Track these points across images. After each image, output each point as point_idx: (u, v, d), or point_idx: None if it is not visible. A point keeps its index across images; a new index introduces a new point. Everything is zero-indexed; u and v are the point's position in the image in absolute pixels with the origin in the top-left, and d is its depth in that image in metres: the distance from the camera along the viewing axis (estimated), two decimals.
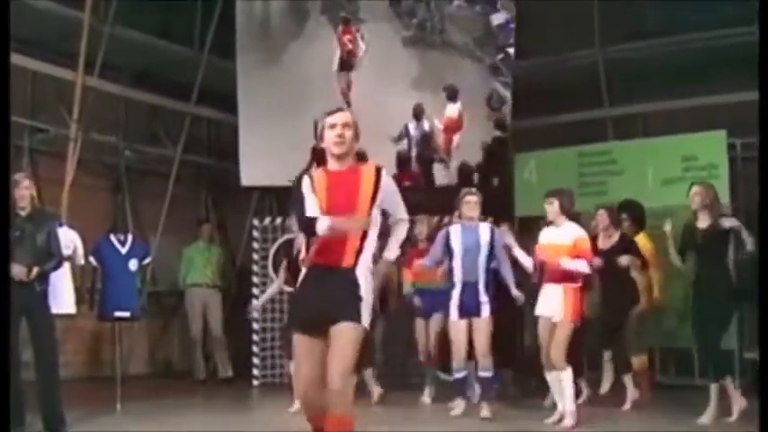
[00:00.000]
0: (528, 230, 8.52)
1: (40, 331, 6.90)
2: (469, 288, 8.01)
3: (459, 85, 11.84)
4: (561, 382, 7.54)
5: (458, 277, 8.07)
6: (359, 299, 4.49)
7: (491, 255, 8.08)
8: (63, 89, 10.88)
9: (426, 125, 11.80)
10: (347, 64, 11.89)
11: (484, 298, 8.00)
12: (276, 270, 9.97)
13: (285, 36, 12.23)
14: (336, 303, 4.46)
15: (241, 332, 11.50)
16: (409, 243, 8.96)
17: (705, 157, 10.54)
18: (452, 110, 11.83)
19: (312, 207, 4.61)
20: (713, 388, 7.52)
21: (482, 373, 8.07)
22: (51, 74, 10.77)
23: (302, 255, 9.10)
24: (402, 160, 11.75)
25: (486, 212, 8.51)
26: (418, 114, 11.77)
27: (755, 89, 9.96)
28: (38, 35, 10.41)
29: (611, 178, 11.19)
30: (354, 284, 4.52)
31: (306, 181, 4.72)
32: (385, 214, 4.78)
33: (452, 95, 11.80)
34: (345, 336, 4.43)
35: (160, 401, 9.60)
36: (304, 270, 4.75)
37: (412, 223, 8.73)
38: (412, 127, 11.78)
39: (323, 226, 4.48)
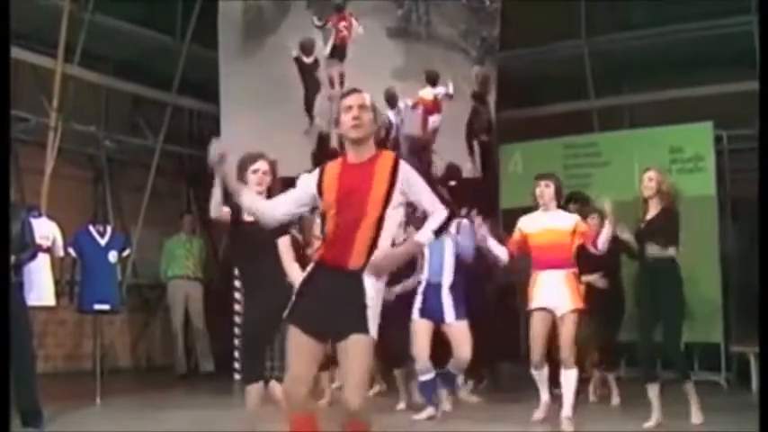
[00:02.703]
0: (513, 222, 8.40)
1: (14, 324, 6.76)
2: (433, 288, 7.60)
3: (444, 77, 11.73)
4: (567, 382, 7.16)
5: (423, 276, 7.72)
6: (364, 307, 4.22)
7: (460, 255, 7.68)
8: (43, 78, 10.74)
9: (403, 110, 11.58)
10: (340, 51, 11.73)
11: (448, 299, 7.57)
12: None
13: (267, 26, 12.09)
14: (342, 312, 4.21)
15: (223, 326, 11.38)
16: None
17: (691, 148, 10.52)
18: (426, 92, 11.66)
19: (284, 199, 4.51)
20: (690, 386, 7.24)
21: (451, 369, 7.76)
22: (31, 62, 10.62)
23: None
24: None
25: (471, 204, 8.37)
26: (392, 100, 11.52)
27: (742, 81, 9.98)
28: (17, 22, 10.24)
29: (596, 170, 11.15)
30: (360, 291, 4.23)
31: (314, 174, 4.44)
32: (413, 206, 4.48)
33: (432, 80, 11.66)
34: (357, 350, 4.19)
35: (141, 396, 9.50)
36: (311, 264, 4.46)
37: None
38: (392, 115, 11.57)
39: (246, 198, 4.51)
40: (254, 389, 5.91)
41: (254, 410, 5.94)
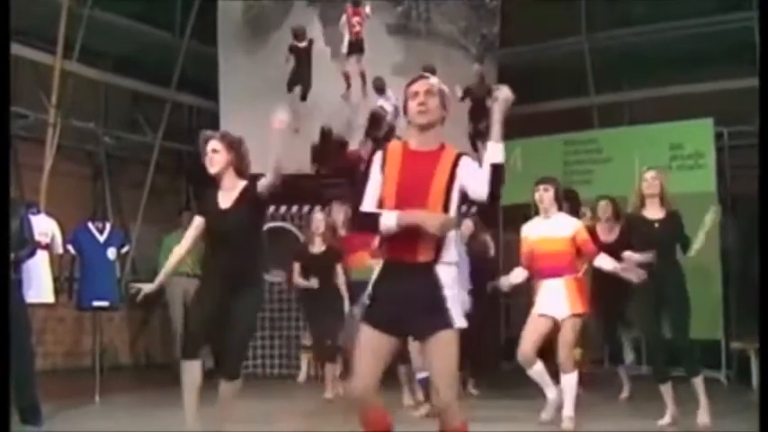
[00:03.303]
0: (513, 219, 8.40)
1: (13, 321, 6.74)
2: None
3: (444, 74, 11.67)
4: (566, 384, 7.11)
5: None
6: (443, 300, 4.14)
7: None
8: (42, 74, 10.72)
9: (393, 97, 11.51)
10: (356, 47, 11.70)
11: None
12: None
13: (267, 22, 12.09)
14: (422, 309, 4.12)
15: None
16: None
17: (692, 145, 10.50)
18: None
19: (372, 196, 4.22)
20: (698, 381, 7.18)
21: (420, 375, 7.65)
22: (30, 58, 10.60)
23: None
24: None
25: (470, 203, 8.32)
26: (381, 88, 11.48)
27: (743, 77, 9.95)
28: (16, 18, 10.21)
29: (596, 166, 11.13)
30: (435, 284, 4.13)
31: (378, 157, 4.27)
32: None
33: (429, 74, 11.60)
34: (445, 347, 4.12)
35: (140, 393, 9.47)
36: (380, 264, 4.28)
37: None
38: (383, 102, 11.52)
39: (389, 223, 4.07)
40: (193, 367, 5.95)
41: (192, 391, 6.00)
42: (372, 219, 4.16)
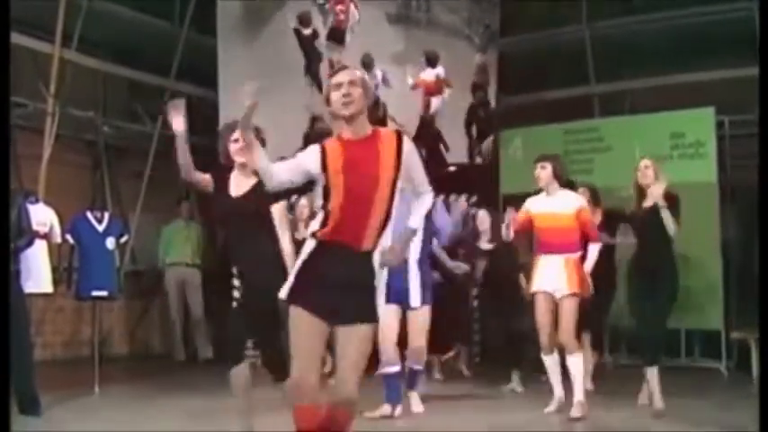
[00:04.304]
0: (514, 208, 8.35)
1: (12, 311, 6.72)
2: (399, 271, 6.79)
3: (445, 63, 11.67)
4: (573, 367, 7.08)
5: None
6: (373, 291, 4.18)
7: (428, 237, 7.32)
8: (41, 63, 10.67)
9: (379, 74, 11.44)
10: (336, 35, 11.65)
11: (415, 283, 7.18)
12: None
13: (266, 11, 12.04)
14: (352, 296, 4.10)
15: (221, 313, 11.33)
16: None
17: (693, 134, 10.48)
18: (428, 74, 11.63)
19: (285, 166, 4.29)
20: (653, 371, 7.20)
21: (412, 366, 7.45)
22: (29, 47, 10.53)
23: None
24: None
25: (471, 191, 8.33)
26: (369, 65, 11.34)
27: (744, 66, 9.90)
28: (15, 7, 10.17)
29: (597, 155, 11.11)
30: (371, 273, 4.17)
31: (314, 150, 4.25)
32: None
33: (431, 61, 11.59)
34: (362, 338, 4.13)
35: (139, 383, 9.46)
36: (313, 242, 4.22)
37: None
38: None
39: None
40: (241, 372, 5.66)
41: (242, 395, 5.70)
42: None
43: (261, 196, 5.39)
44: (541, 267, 7.26)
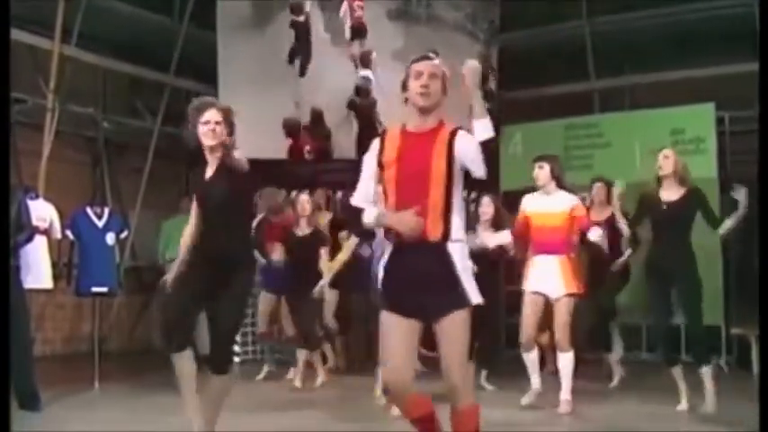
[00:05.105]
0: (513, 204, 8.34)
1: (12, 307, 6.72)
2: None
3: (446, 59, 11.63)
4: (563, 364, 7.15)
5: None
6: (457, 278, 4.08)
7: None
8: (40, 59, 10.66)
9: (378, 73, 11.44)
10: (358, 31, 11.66)
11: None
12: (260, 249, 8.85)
13: (266, 6, 12.03)
14: (433, 287, 4.05)
15: None
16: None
17: (693, 130, 10.47)
18: None
19: (364, 187, 4.21)
20: (678, 371, 7.18)
21: None
22: (28, 42, 10.53)
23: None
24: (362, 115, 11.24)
25: (471, 186, 8.26)
26: (366, 60, 11.41)
27: (744, 62, 9.89)
28: (15, 3, 10.16)
29: (597, 151, 11.11)
30: (448, 262, 4.08)
31: (374, 145, 4.23)
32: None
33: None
34: (455, 326, 4.07)
35: (139, 379, 9.44)
36: (390, 246, 4.19)
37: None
38: (370, 75, 11.45)
39: (368, 221, 4.13)
40: (185, 358, 5.62)
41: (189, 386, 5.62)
42: (357, 213, 4.18)
43: (228, 177, 5.20)
44: (535, 268, 7.27)
